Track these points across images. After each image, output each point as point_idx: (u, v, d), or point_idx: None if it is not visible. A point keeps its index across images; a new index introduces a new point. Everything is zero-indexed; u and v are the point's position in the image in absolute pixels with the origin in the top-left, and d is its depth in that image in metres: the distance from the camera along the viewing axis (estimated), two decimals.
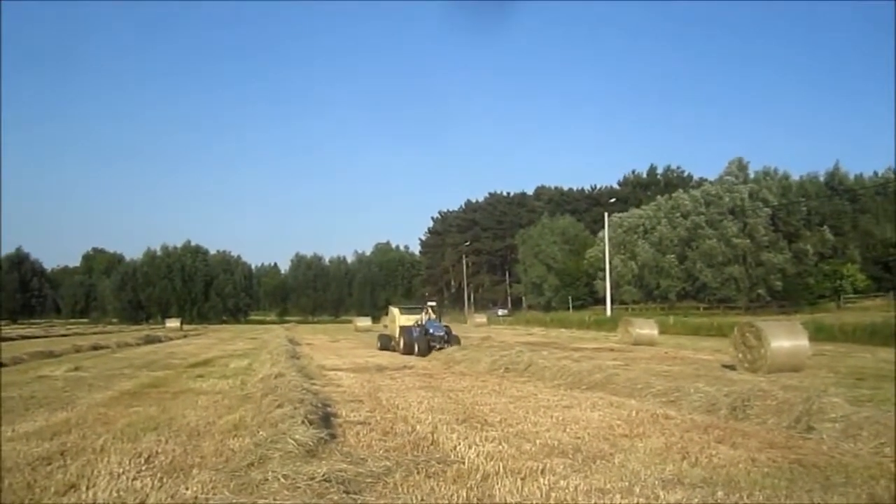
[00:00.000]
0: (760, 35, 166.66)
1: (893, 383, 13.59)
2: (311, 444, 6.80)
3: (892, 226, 70.51)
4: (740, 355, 17.43)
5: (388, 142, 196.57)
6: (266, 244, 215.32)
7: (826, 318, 40.32)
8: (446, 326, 24.44)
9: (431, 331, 23.56)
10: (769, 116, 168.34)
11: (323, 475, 5.72)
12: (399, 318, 25.81)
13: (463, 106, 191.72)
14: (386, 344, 26.43)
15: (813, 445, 7.57)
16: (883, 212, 73.08)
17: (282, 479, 5.54)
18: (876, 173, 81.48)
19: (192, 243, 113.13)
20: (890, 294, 63.20)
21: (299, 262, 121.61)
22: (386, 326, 28.88)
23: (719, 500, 5.45)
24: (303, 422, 7.66)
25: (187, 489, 5.82)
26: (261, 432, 7.46)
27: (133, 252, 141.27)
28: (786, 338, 16.84)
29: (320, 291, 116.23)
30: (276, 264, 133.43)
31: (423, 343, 22.89)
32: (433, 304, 26.46)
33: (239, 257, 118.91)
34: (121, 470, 6.50)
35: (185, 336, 49.08)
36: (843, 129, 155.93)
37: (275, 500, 5.17)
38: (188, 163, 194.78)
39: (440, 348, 22.62)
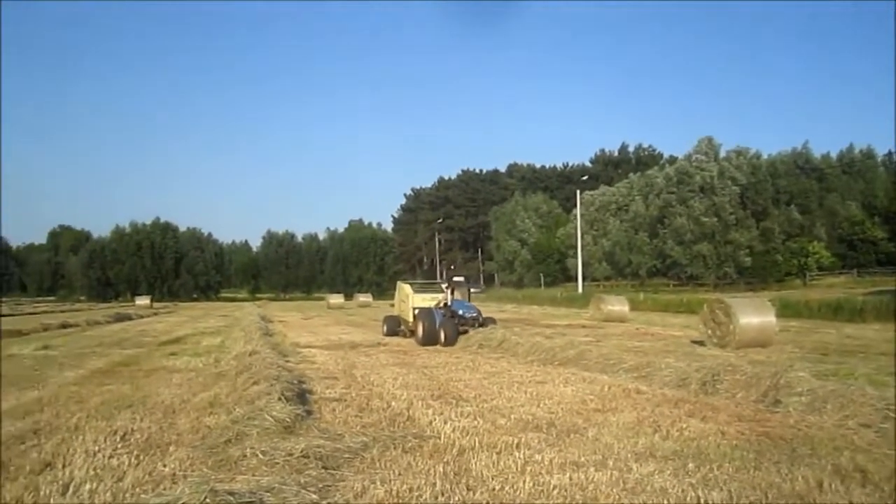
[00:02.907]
0: (730, 14, 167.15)
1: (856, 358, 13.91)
2: (288, 420, 6.84)
3: (856, 204, 71.85)
4: (709, 331, 17.70)
5: (361, 119, 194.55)
6: (237, 221, 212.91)
7: (793, 294, 41.08)
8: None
9: (461, 312, 19.39)
10: (741, 95, 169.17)
11: (301, 451, 5.79)
12: (413, 299, 20.98)
13: (435, 83, 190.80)
14: (394, 328, 21.87)
15: (780, 418, 7.76)
16: (848, 191, 74.41)
17: (260, 455, 5.59)
18: (842, 152, 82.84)
19: (162, 220, 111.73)
20: (854, 271, 64.49)
21: (271, 239, 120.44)
22: (392, 306, 24.07)
23: (690, 472, 5.58)
24: (279, 398, 7.69)
25: (165, 466, 5.83)
26: (237, 409, 7.48)
27: (101, 229, 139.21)
28: (754, 314, 17.13)
29: (292, 269, 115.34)
30: (247, 241, 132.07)
31: (451, 328, 18.36)
32: (461, 279, 21.65)
33: (210, 234, 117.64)
34: (96, 448, 6.49)
35: (155, 314, 48.62)
36: (812, 108, 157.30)
37: (253, 475, 5.21)
38: (158, 140, 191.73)
39: (467, 331, 18.77)
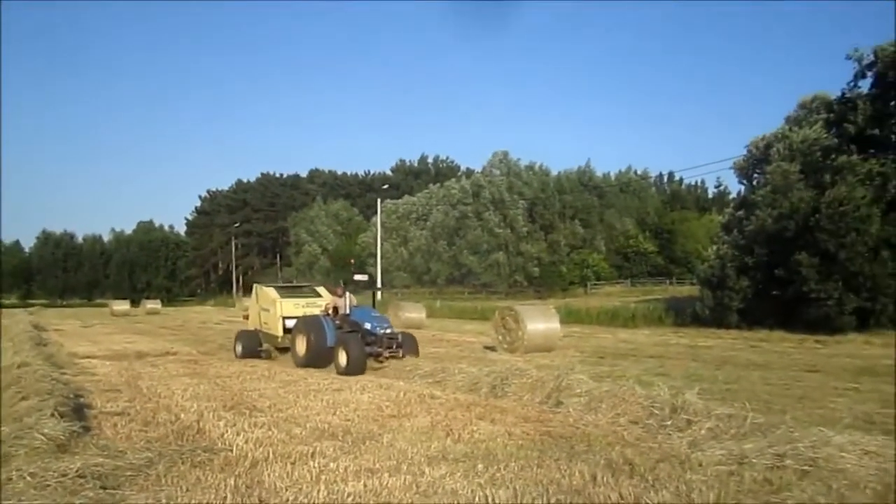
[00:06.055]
0: (521, 33, 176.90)
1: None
2: (62, 438, 6.32)
3: (631, 220, 78.96)
4: (500, 337, 18.62)
5: (152, 112, 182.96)
6: (7, 219, 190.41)
7: (575, 302, 44.14)
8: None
9: (370, 326, 13.97)
10: (533, 112, 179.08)
11: (76, 471, 5.38)
12: (281, 305, 16.11)
13: (234, 82, 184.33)
14: (252, 348, 16.61)
15: (561, 418, 8.31)
16: (624, 208, 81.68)
17: (28, 478, 5.13)
18: (620, 172, 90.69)
19: None
20: (628, 281, 70.54)
21: (46, 239, 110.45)
22: (245, 318, 18.52)
23: (479, 473, 5.82)
24: (52, 414, 7.07)
25: None
26: (3, 428, 6.77)
27: None
28: (540, 321, 18.27)
29: (71, 272, 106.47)
30: (18, 241, 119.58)
31: (356, 348, 13.19)
32: (364, 277, 16.44)
33: None
34: None
35: None
36: (594, 128, 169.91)
37: (20, 500, 4.76)
38: None
39: (388, 357, 13.70)
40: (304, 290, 17.95)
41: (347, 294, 15.22)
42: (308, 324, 14.59)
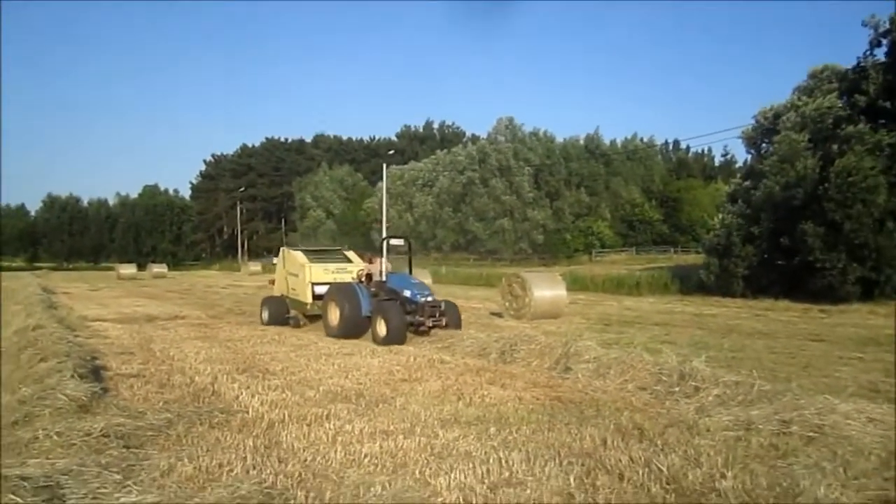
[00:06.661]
0: (533, 4, 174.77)
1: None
2: (84, 398, 6.48)
3: (637, 188, 78.76)
4: (507, 304, 18.74)
5: (157, 76, 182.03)
6: (11, 183, 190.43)
7: (580, 269, 44.18)
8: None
9: (410, 294, 13.05)
10: (538, 79, 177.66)
11: (100, 430, 5.54)
12: (310, 271, 15.33)
13: (239, 47, 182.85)
14: (279, 314, 15.90)
15: (570, 384, 8.43)
16: (630, 175, 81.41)
17: (54, 437, 5.27)
18: (626, 140, 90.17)
19: None
20: (633, 249, 70.63)
21: (52, 203, 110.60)
22: (271, 283, 17.83)
23: (491, 436, 5.96)
24: (72, 375, 7.23)
25: None
26: (24, 389, 6.92)
27: None
28: (547, 288, 18.37)
29: (76, 236, 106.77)
30: (24, 205, 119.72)
31: (395, 316, 12.31)
32: (399, 241, 15.15)
33: None
34: None
35: None
36: (601, 96, 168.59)
37: (48, 458, 4.90)
38: None
39: (431, 327, 12.74)
40: (334, 255, 17.04)
41: (383, 259, 14.36)
42: (341, 291, 13.68)
